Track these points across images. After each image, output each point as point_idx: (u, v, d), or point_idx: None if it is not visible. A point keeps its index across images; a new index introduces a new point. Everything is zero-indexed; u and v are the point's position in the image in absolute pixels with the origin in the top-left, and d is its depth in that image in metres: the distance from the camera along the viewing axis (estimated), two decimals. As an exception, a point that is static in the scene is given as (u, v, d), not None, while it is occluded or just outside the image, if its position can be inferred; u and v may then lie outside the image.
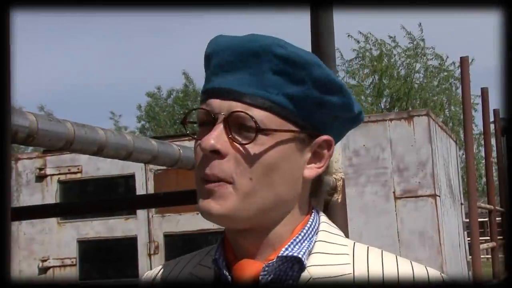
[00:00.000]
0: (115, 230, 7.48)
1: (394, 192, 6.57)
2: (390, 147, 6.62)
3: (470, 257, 8.42)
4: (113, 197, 7.08)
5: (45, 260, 7.44)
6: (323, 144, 1.05)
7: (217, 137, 0.97)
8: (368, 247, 1.07)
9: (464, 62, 8.95)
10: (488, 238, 10.73)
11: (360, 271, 1.02)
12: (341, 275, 1.00)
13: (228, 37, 1.04)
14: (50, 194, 7.48)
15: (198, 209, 1.00)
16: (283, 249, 1.02)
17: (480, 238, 9.14)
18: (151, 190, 7.28)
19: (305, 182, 1.05)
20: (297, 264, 1.02)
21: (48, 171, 7.54)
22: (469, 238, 8.63)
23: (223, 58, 1.01)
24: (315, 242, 1.04)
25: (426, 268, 1.04)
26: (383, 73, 21.28)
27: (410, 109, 19.68)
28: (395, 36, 21.37)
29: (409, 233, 6.45)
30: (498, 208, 10.85)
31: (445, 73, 21.81)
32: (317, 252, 1.03)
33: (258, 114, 0.98)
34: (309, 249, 1.03)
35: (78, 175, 7.53)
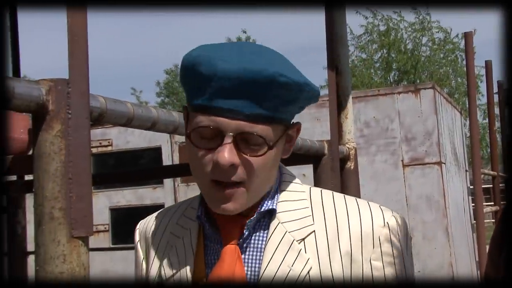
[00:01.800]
0: (144, 199, 7.67)
1: (402, 160, 6.67)
2: (399, 119, 6.70)
3: (475, 221, 8.50)
4: (142, 167, 7.23)
5: (80, 227, 7.64)
6: (294, 129, 1.19)
7: (230, 153, 1.07)
8: (321, 190, 1.21)
9: (468, 37, 8.95)
10: (492, 203, 10.82)
11: (317, 211, 1.16)
12: (303, 217, 1.15)
13: (227, 63, 1.06)
14: (83, 166, 7.65)
15: (213, 208, 1.14)
16: (260, 206, 1.16)
17: (485, 203, 9.24)
18: (176, 161, 7.42)
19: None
20: (269, 214, 1.16)
21: (81, 144, 7.72)
22: (473, 203, 8.72)
23: (228, 83, 1.06)
24: (280, 192, 1.18)
25: (368, 203, 1.18)
26: (391, 47, 21.08)
27: (417, 81, 19.63)
28: (400, 12, 21.19)
29: (416, 198, 6.56)
30: (501, 174, 10.91)
31: (451, 46, 21.58)
32: (282, 201, 1.17)
33: (261, 129, 1.09)
34: (277, 199, 1.18)
35: (109, 148, 7.68)
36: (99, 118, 1.70)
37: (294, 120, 1.20)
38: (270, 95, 1.07)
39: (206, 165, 1.10)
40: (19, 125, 1.64)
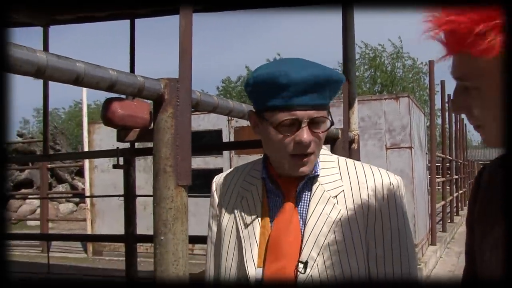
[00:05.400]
0: (209, 164, 7.67)
1: (385, 145, 6.58)
2: (384, 116, 6.60)
3: (429, 187, 8.45)
4: (209, 143, 7.27)
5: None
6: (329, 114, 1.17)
7: (308, 134, 1.05)
8: (346, 159, 1.16)
9: (431, 64, 8.95)
10: (440, 176, 10.65)
11: (344, 175, 1.12)
12: (335, 180, 1.11)
13: (297, 73, 1.03)
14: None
15: (293, 172, 1.08)
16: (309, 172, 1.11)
17: (436, 176, 9.11)
18: (232, 140, 7.40)
19: None
20: (313, 177, 1.12)
21: (169, 126, 7.75)
22: (429, 176, 8.64)
23: (301, 87, 1.03)
24: (319, 161, 1.14)
25: (378, 169, 1.14)
26: (376, 68, 21.01)
27: (394, 92, 19.44)
28: (384, 45, 20.98)
29: (394, 171, 6.32)
30: (447, 157, 10.86)
31: (416, 69, 21.46)
32: (321, 168, 1.13)
33: (323, 113, 1.07)
34: (319, 167, 1.13)
35: (187, 130, 7.75)
36: (196, 106, 1.67)
37: None
38: (327, 89, 1.06)
39: (287, 145, 1.06)
40: (144, 109, 1.61)
